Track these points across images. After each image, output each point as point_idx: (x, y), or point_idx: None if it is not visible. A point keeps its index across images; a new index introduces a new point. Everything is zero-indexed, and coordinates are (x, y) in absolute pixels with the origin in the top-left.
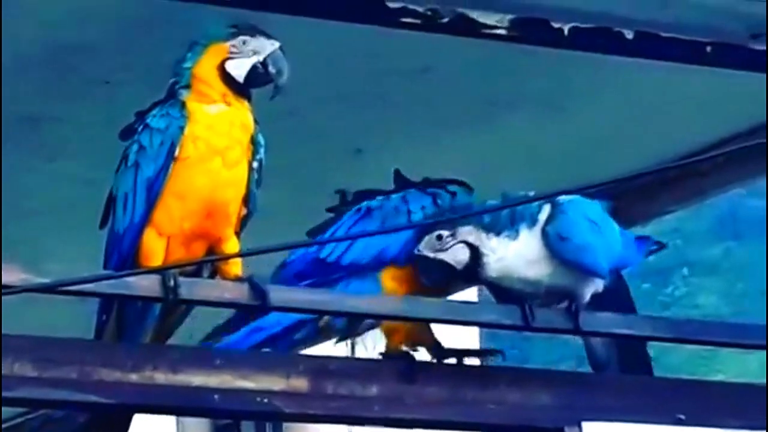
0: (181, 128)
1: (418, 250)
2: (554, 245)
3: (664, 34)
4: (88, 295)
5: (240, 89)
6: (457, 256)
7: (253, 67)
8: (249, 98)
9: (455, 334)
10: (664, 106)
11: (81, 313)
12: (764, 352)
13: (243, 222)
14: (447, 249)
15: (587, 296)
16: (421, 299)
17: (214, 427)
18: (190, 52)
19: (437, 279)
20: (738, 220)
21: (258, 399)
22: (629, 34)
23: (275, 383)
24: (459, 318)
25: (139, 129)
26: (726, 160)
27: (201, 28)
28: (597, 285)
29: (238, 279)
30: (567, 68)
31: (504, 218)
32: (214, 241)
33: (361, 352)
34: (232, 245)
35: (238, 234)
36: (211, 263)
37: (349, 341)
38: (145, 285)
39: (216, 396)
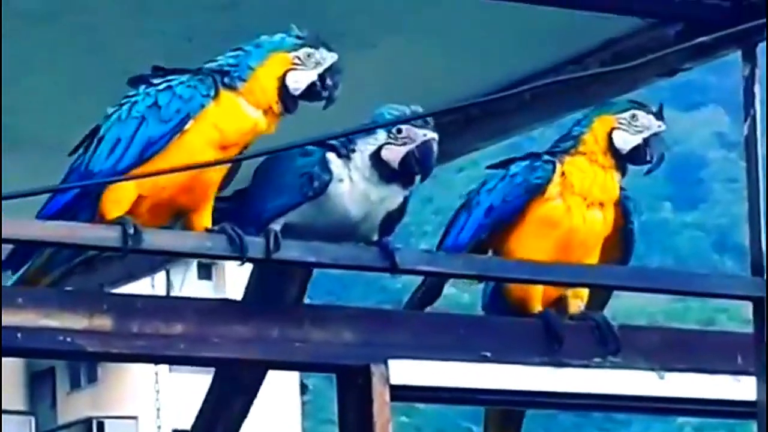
0: (203, 106)
1: None
2: None
3: None
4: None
5: (289, 101)
6: None
7: (312, 83)
8: (290, 111)
9: None
10: (470, 42)
11: None
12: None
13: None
14: None
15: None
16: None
17: (29, 374)
18: (252, 52)
19: None
20: None
21: (61, 338)
22: None
23: (78, 322)
24: None
25: (160, 86)
26: (532, 98)
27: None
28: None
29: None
30: (376, 3)
31: None
32: (185, 211)
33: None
34: (205, 217)
35: None
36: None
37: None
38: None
39: (18, 335)
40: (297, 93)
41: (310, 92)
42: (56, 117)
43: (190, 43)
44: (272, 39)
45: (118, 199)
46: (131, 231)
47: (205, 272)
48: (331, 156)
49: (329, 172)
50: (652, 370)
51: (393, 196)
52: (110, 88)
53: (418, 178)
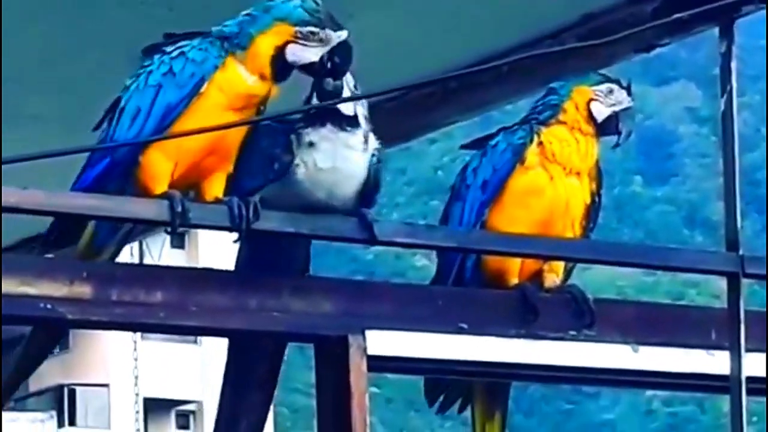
0: (216, 67)
1: None
2: None
3: None
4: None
5: (280, 70)
6: None
7: (313, 62)
8: (279, 80)
9: None
10: (449, 16)
11: None
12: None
13: None
14: None
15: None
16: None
17: None
18: (258, 17)
19: None
20: None
21: (41, 305)
22: None
23: (58, 289)
24: None
25: (173, 53)
26: (509, 71)
27: None
28: None
29: (218, 201)
30: None
31: None
32: (208, 173)
33: (147, 260)
34: (217, 187)
35: None
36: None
37: (137, 249)
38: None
39: None
40: (296, 65)
41: (311, 69)
42: (38, 86)
43: (171, 12)
44: (282, 5)
45: (156, 174)
46: (179, 208)
47: (178, 241)
48: (293, 137)
49: (291, 153)
50: (626, 343)
51: (345, 137)
52: (92, 57)
53: (363, 128)
